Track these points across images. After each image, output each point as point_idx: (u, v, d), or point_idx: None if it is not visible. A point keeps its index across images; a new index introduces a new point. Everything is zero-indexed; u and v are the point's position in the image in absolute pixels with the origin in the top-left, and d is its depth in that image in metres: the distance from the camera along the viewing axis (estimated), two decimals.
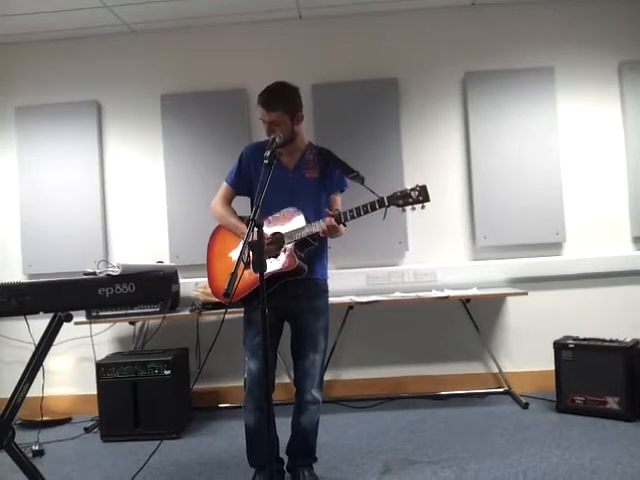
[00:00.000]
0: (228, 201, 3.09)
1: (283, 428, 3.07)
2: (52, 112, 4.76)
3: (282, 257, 2.84)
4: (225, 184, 3.09)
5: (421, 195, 2.75)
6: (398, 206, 2.76)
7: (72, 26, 4.62)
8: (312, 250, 2.91)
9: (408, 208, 2.77)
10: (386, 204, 2.76)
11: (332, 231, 2.80)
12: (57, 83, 4.81)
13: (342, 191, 3.08)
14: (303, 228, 2.84)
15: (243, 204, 3.14)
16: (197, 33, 4.76)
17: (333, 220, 2.78)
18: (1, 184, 4.87)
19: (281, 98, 2.87)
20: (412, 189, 2.77)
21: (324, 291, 3.06)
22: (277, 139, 2.74)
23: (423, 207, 2.78)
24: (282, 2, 4.45)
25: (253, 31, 4.74)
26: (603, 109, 4.65)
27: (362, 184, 2.85)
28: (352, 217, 2.79)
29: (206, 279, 3.08)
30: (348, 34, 4.72)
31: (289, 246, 2.84)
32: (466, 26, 4.69)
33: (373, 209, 2.76)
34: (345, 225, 2.83)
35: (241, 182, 3.03)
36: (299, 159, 3.01)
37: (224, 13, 4.57)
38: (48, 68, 4.83)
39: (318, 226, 2.81)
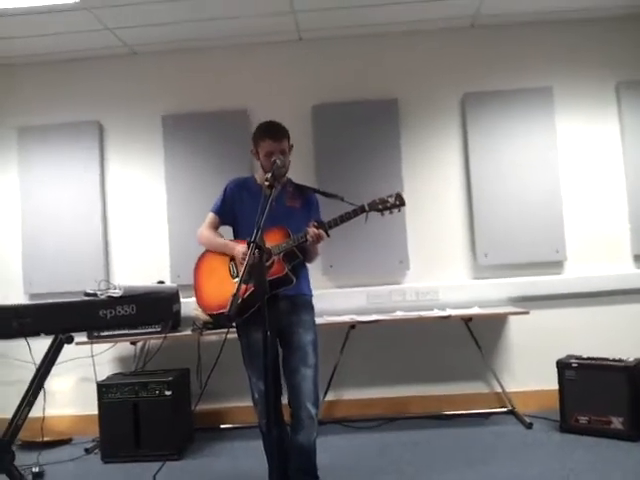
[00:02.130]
0: (214, 228, 3.23)
1: None
2: (54, 132, 4.80)
3: (271, 265, 2.90)
4: (211, 213, 3.23)
5: (397, 200, 3.01)
6: (377, 211, 3.00)
7: (74, 48, 4.67)
8: (297, 267, 3.01)
9: (386, 213, 3.00)
10: (366, 209, 2.96)
11: (317, 237, 2.90)
12: (59, 104, 4.85)
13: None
14: (287, 241, 2.95)
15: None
16: (198, 55, 4.81)
17: (315, 227, 2.90)
18: (3, 203, 4.89)
19: (283, 129, 3.10)
20: (389, 196, 3.01)
21: (311, 307, 3.15)
22: (278, 162, 2.90)
23: (399, 211, 3.03)
24: (282, 25, 4.50)
25: (254, 53, 4.79)
26: (602, 128, 4.69)
27: (342, 201, 3.01)
28: (336, 224, 2.96)
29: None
30: (348, 55, 4.77)
31: (276, 256, 2.92)
32: (465, 47, 4.75)
33: (355, 215, 2.97)
34: (329, 234, 2.94)
35: (226, 212, 3.18)
36: (280, 191, 3.08)
37: (225, 35, 4.63)
38: (50, 89, 4.88)
39: (303, 235, 2.92)
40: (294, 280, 2.94)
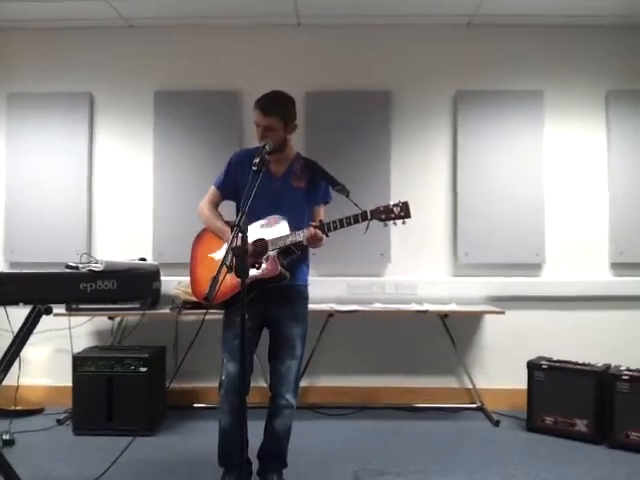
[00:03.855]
0: (215, 204, 3.14)
1: (256, 431, 3.07)
2: (45, 101, 4.75)
3: (265, 263, 2.87)
4: (213, 188, 3.14)
5: (403, 211, 2.85)
6: (380, 220, 2.86)
7: (71, 16, 4.62)
8: (293, 258, 2.95)
9: (390, 223, 2.87)
10: (369, 218, 2.84)
11: (315, 240, 2.85)
12: (52, 72, 4.80)
13: (326, 203, 3.14)
14: (287, 236, 2.88)
15: (228, 208, 3.17)
16: (195, 32, 4.78)
17: (318, 230, 2.82)
18: None
19: (278, 105, 2.95)
20: (395, 205, 2.86)
21: (304, 298, 3.11)
22: (267, 146, 2.81)
23: (404, 223, 2.88)
24: (281, 9, 4.49)
25: (251, 35, 4.77)
26: (589, 135, 4.75)
27: (347, 197, 2.92)
28: (335, 228, 2.86)
29: (189, 279, 3.11)
30: (345, 44, 4.78)
31: (272, 253, 2.88)
32: (461, 45, 4.77)
33: (356, 221, 2.85)
34: (328, 236, 2.88)
35: (228, 187, 3.08)
36: (287, 168, 3.06)
37: (223, 15, 4.60)
38: (44, 56, 4.82)
39: (302, 235, 2.86)
40: (288, 277, 2.90)
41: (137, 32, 4.81)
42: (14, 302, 2.67)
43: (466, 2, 4.37)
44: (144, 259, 4.46)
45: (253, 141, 3.05)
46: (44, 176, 4.73)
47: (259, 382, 4.15)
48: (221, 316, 3.07)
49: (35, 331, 2.82)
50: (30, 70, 4.81)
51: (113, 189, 4.82)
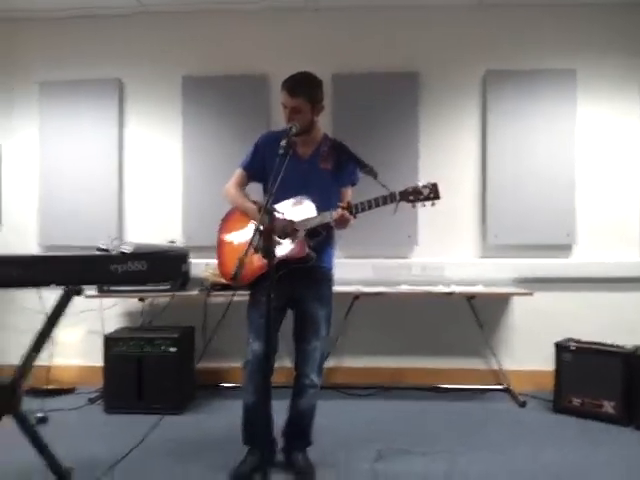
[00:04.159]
0: (242, 186, 3.15)
1: (280, 410, 3.12)
2: (75, 88, 4.83)
3: (292, 244, 2.90)
4: (239, 169, 3.15)
5: (432, 193, 2.83)
6: (409, 201, 2.84)
7: (97, 5, 4.68)
8: (321, 239, 2.97)
9: (418, 204, 2.83)
10: (397, 199, 2.82)
11: (343, 222, 2.86)
12: (81, 60, 4.88)
13: (354, 184, 3.14)
14: (315, 217, 2.90)
15: (255, 190, 3.19)
16: (222, 17, 4.80)
17: (345, 211, 2.83)
18: (22, 157, 4.95)
19: (305, 86, 2.94)
20: (424, 186, 2.84)
21: (329, 280, 3.13)
22: (294, 129, 2.81)
23: (433, 204, 2.85)
24: None
25: (277, 18, 4.77)
26: (622, 115, 4.65)
27: (375, 178, 2.90)
28: (363, 209, 2.86)
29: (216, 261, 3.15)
30: (371, 26, 4.74)
31: (300, 234, 2.90)
32: (489, 25, 4.70)
33: (384, 203, 2.84)
34: (355, 217, 2.88)
35: (255, 168, 3.09)
36: (314, 150, 3.06)
37: (248, 1, 4.60)
38: (73, 45, 4.90)
39: (329, 216, 2.87)
40: (314, 258, 2.92)
41: (164, 18, 4.84)
42: (46, 284, 2.73)
43: None
44: (174, 242, 4.53)
45: (281, 124, 3.04)
46: (76, 162, 4.82)
47: (284, 362, 4.19)
48: (248, 298, 3.11)
49: (67, 312, 2.88)
50: (60, 58, 4.89)
51: (143, 174, 4.90)
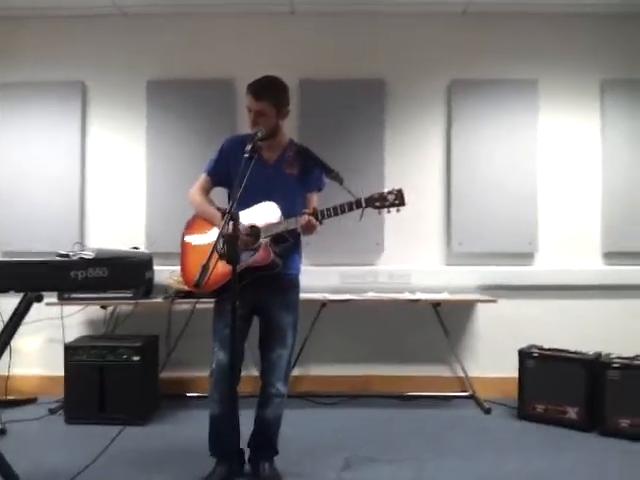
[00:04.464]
0: (206, 191, 3.12)
1: (247, 420, 3.09)
2: (37, 90, 4.72)
3: (257, 250, 2.86)
4: (204, 174, 3.12)
5: (397, 199, 2.82)
6: (375, 207, 2.83)
7: (63, 5, 4.58)
8: (286, 246, 2.94)
9: (384, 211, 2.83)
10: (363, 205, 2.81)
11: (309, 228, 2.84)
12: (44, 61, 4.77)
13: (320, 190, 3.12)
14: (280, 223, 2.87)
15: (221, 196, 3.15)
16: (188, 21, 4.75)
17: (311, 217, 2.81)
18: None
19: (271, 90, 2.93)
20: (389, 192, 2.83)
21: (295, 287, 3.10)
22: (259, 134, 2.79)
23: (398, 210, 2.85)
24: None
25: (244, 23, 4.74)
26: (583, 124, 4.75)
27: (341, 184, 2.89)
28: (329, 216, 2.84)
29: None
30: (338, 32, 4.75)
31: (264, 240, 2.86)
32: (455, 34, 4.75)
33: (350, 209, 2.83)
34: (322, 223, 2.86)
35: (220, 173, 3.05)
36: (279, 155, 3.04)
37: (216, 3, 4.57)
38: (36, 45, 4.79)
39: (295, 222, 2.85)
40: (280, 265, 2.89)
41: (130, 20, 4.78)
42: (4, 290, 2.65)
43: None
44: (137, 248, 4.44)
45: (246, 129, 3.02)
46: (36, 166, 4.71)
47: (250, 371, 4.15)
48: (213, 305, 3.06)
49: (27, 321, 2.81)
50: (22, 59, 4.78)
51: (106, 178, 4.81)
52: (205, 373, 3.10)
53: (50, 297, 3.88)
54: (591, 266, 4.68)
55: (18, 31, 4.79)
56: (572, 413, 3.93)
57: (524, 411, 4.10)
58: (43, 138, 4.72)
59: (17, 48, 4.79)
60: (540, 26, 4.71)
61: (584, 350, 4.07)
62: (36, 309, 2.80)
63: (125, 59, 4.78)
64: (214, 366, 2.96)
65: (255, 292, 2.90)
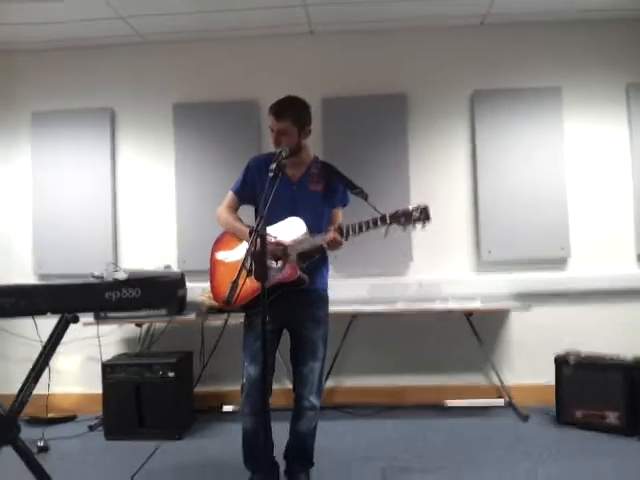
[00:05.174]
0: (234, 209, 3.17)
1: (283, 432, 3.10)
2: (67, 118, 4.88)
3: (284, 267, 2.90)
4: (230, 193, 3.17)
5: (422, 215, 2.79)
6: (399, 224, 2.80)
7: (89, 35, 4.74)
8: (313, 261, 2.97)
9: (409, 227, 2.81)
10: (388, 222, 2.80)
11: (334, 244, 2.87)
12: (73, 90, 4.93)
13: (344, 206, 3.15)
14: (306, 240, 2.90)
15: (248, 212, 3.20)
16: (210, 45, 4.87)
17: (336, 234, 2.84)
18: (15, 186, 4.99)
19: (292, 109, 2.97)
20: (414, 209, 2.80)
21: (324, 301, 3.12)
22: (283, 152, 2.83)
23: (424, 227, 2.82)
24: (294, 17, 4.54)
25: (265, 45, 4.84)
26: (610, 129, 4.70)
27: (366, 200, 2.91)
28: (354, 233, 2.85)
29: None
30: (359, 50, 4.81)
31: (291, 257, 2.90)
32: (475, 45, 4.77)
33: (375, 226, 2.82)
34: (347, 239, 2.89)
35: (246, 191, 3.10)
36: (304, 172, 3.08)
37: (237, 27, 4.68)
38: (65, 75, 4.96)
39: (321, 239, 2.88)
40: (307, 280, 2.91)
41: (154, 47, 4.91)
42: (42, 312, 2.74)
43: (478, 1, 4.36)
44: (169, 267, 4.54)
45: (271, 148, 3.06)
46: (69, 191, 4.85)
47: (284, 383, 4.18)
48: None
49: (65, 340, 2.89)
50: (52, 89, 4.95)
51: (137, 200, 4.93)
52: (238, 387, 3.13)
53: (86, 317, 3.98)
54: (624, 270, 4.61)
55: (49, 62, 4.97)
56: (612, 418, 3.86)
57: (563, 417, 4.05)
58: (75, 163, 4.86)
59: (49, 78, 4.97)
60: (560, 33, 4.70)
61: (621, 355, 4.00)
62: (73, 329, 2.87)
63: (151, 84, 4.91)
64: (244, 380, 2.99)
65: (284, 307, 2.92)
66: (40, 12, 4.27)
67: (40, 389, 2.96)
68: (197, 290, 4.42)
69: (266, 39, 4.82)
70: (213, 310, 4.23)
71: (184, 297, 4.43)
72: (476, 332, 4.50)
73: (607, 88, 4.68)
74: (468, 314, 4.43)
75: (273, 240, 2.86)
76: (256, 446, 2.94)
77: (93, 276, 3.18)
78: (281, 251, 2.90)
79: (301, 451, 3.12)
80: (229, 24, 4.63)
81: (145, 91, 4.92)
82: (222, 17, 4.51)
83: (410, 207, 2.81)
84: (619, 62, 4.66)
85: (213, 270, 3.11)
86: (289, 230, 2.94)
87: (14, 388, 2.83)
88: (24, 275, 4.75)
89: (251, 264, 2.55)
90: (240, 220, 3.13)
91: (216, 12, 4.42)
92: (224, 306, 2.55)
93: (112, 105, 4.92)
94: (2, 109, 4.99)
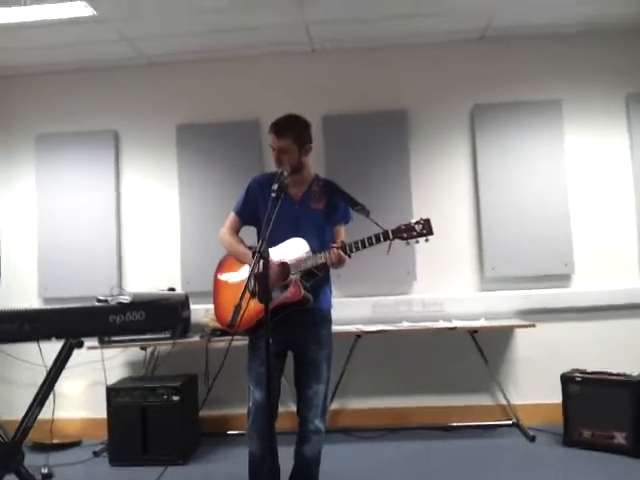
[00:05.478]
0: (235, 230, 3.16)
1: (287, 456, 3.08)
2: (71, 140, 4.92)
3: (288, 287, 2.89)
4: (232, 214, 3.16)
5: (425, 229, 2.80)
6: (402, 239, 2.81)
7: (92, 58, 4.79)
8: (316, 280, 2.96)
9: (412, 241, 2.83)
10: (390, 237, 2.81)
11: (338, 262, 2.86)
12: (77, 113, 4.97)
13: (346, 222, 3.15)
14: (309, 258, 2.89)
15: (250, 233, 3.20)
16: (212, 65, 4.91)
17: (340, 251, 2.84)
18: (19, 209, 5.01)
19: (292, 127, 2.98)
20: (416, 222, 2.82)
21: (328, 321, 3.10)
22: (285, 172, 2.82)
23: (427, 240, 2.83)
24: (295, 36, 4.58)
25: (266, 64, 4.87)
26: (611, 141, 4.70)
27: (367, 217, 2.91)
28: (357, 249, 2.85)
29: None
30: (359, 67, 4.83)
31: (295, 276, 2.89)
32: (475, 59, 4.79)
33: (378, 241, 2.82)
34: (350, 256, 2.88)
35: (248, 212, 3.10)
36: (305, 191, 3.08)
37: (239, 47, 4.72)
38: (69, 98, 5.00)
39: (323, 257, 2.87)
40: (311, 300, 2.90)
41: (157, 69, 4.96)
42: (46, 337, 2.73)
43: (478, 16, 4.40)
44: (173, 289, 4.54)
45: (274, 167, 3.07)
46: (74, 213, 4.87)
47: (289, 406, 4.15)
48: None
49: (69, 365, 2.87)
50: (56, 111, 4.98)
51: (141, 222, 4.94)
52: (243, 410, 3.10)
53: (91, 341, 3.97)
54: (629, 285, 4.58)
55: (53, 85, 5.01)
56: (620, 438, 3.82)
57: (570, 438, 4.01)
58: (79, 186, 4.89)
59: (52, 101, 5.00)
60: (560, 46, 4.71)
61: (627, 372, 3.97)
62: (77, 353, 2.86)
63: (154, 106, 4.95)
64: (251, 404, 2.96)
65: (288, 328, 2.90)
66: (43, 36, 4.30)
67: (45, 414, 2.95)
68: (201, 312, 4.41)
69: (267, 58, 4.86)
70: (217, 332, 4.22)
71: (188, 319, 4.41)
72: (481, 350, 4.48)
73: (607, 99, 4.69)
74: (473, 332, 4.40)
75: (276, 261, 2.86)
76: (262, 471, 2.91)
77: (97, 299, 3.17)
78: (284, 271, 2.89)
79: (306, 475, 3.07)
80: (231, 45, 4.67)
81: (148, 112, 4.95)
82: (224, 38, 4.55)
83: (412, 221, 2.83)
84: (618, 73, 4.67)
85: (216, 293, 3.10)
86: (292, 249, 2.93)
87: (18, 413, 2.82)
88: (29, 298, 4.75)
89: (254, 286, 2.54)
90: (242, 242, 3.12)
91: (218, 33, 4.46)
92: (229, 330, 2.54)
93: (116, 127, 4.96)
94: (6, 132, 5.03)
